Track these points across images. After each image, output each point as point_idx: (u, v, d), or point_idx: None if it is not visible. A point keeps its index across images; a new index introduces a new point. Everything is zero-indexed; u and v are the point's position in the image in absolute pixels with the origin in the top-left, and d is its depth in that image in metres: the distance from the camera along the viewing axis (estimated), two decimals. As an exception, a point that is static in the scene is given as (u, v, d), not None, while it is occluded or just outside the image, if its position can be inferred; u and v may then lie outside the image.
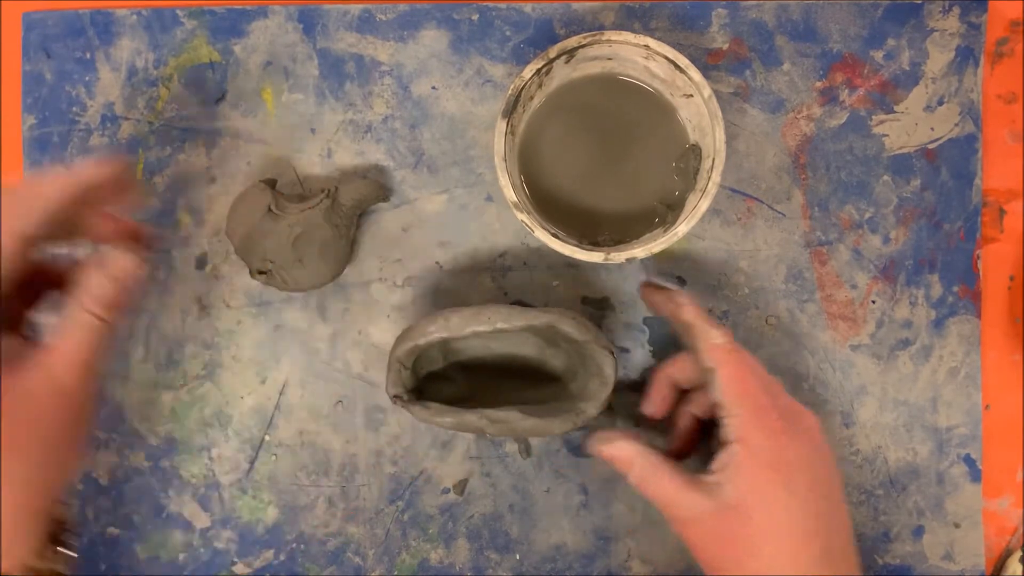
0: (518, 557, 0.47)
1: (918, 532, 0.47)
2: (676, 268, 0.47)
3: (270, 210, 0.43)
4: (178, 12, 0.47)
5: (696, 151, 0.43)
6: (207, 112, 0.47)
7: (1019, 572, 0.46)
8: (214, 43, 0.47)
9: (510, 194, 0.40)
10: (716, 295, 0.47)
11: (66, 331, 0.35)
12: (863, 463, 0.47)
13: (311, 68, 0.47)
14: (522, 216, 0.40)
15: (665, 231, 0.41)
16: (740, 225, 0.47)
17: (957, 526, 0.47)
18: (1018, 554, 0.47)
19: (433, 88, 0.47)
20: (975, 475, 0.47)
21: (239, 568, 0.47)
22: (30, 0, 0.48)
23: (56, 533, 0.36)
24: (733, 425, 0.37)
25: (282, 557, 0.47)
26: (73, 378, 0.35)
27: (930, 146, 0.47)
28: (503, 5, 0.47)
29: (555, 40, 0.47)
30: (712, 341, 0.38)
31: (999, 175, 0.48)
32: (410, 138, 0.47)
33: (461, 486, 0.47)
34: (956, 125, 0.47)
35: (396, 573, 0.47)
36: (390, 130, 0.47)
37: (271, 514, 0.47)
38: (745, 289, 0.47)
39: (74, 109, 0.47)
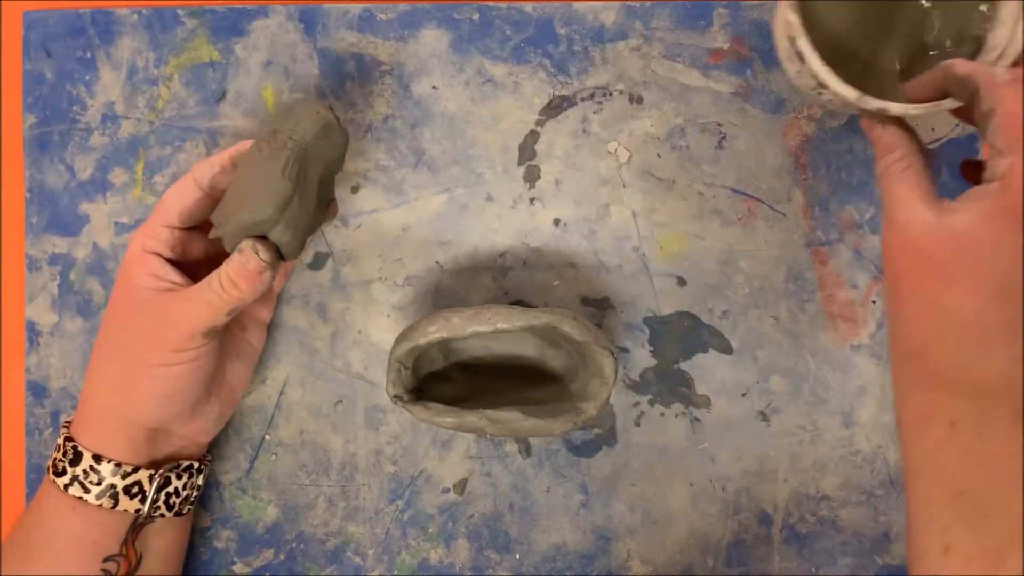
0: (518, 557, 0.47)
1: (918, 532, 0.47)
2: (676, 268, 0.47)
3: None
4: (179, 11, 0.47)
5: (977, 43, 0.40)
6: (207, 112, 0.47)
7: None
8: (215, 42, 0.47)
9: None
10: (716, 295, 0.47)
11: (212, 282, 0.38)
12: (863, 463, 0.47)
13: (311, 68, 0.47)
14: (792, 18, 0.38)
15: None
16: (741, 225, 0.47)
17: (957, 526, 0.47)
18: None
19: (433, 88, 0.47)
20: (975, 475, 0.47)
21: (239, 568, 0.47)
22: (31, 0, 0.48)
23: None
24: (999, 165, 0.33)
25: (282, 556, 0.47)
26: (202, 320, 0.38)
27: (930, 146, 0.47)
28: (503, 5, 0.47)
29: (555, 40, 0.47)
30: (996, 79, 0.34)
31: (999, 175, 0.47)
32: (410, 138, 0.47)
33: (461, 486, 0.47)
34: (956, 125, 0.47)
35: (396, 573, 0.47)
36: (390, 130, 0.47)
37: (271, 513, 0.47)
38: (745, 289, 0.47)
39: (74, 108, 0.47)
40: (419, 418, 0.42)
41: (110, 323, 0.40)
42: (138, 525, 0.40)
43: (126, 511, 0.40)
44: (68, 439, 0.40)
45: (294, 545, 0.47)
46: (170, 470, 0.41)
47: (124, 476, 0.39)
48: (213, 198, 0.40)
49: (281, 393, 0.47)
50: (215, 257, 0.42)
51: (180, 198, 0.40)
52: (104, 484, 0.39)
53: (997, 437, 0.32)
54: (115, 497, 0.39)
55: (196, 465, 0.43)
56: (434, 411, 0.42)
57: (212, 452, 0.47)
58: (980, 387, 0.33)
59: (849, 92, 0.37)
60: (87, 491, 0.39)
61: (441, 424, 0.42)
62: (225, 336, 0.42)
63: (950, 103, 0.37)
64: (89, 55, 0.47)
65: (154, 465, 0.41)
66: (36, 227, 0.47)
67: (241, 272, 0.38)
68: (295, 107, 0.42)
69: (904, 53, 0.42)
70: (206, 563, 0.47)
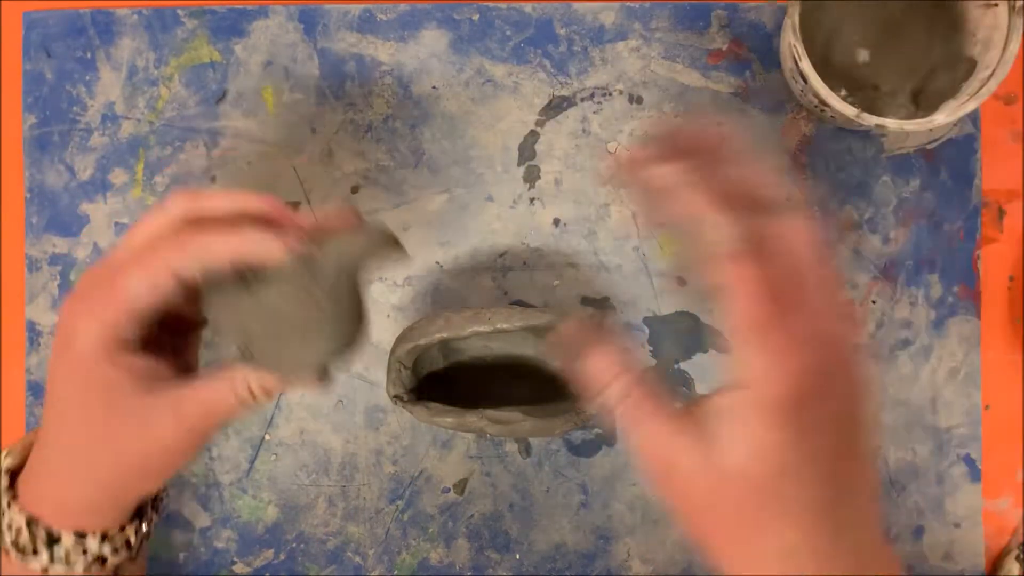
0: (518, 557, 0.47)
1: (918, 532, 0.47)
2: (676, 268, 0.47)
3: (242, 278, 0.33)
4: (179, 12, 0.47)
5: (970, 64, 0.43)
6: (207, 112, 0.47)
7: (1016, 571, 0.46)
8: (215, 43, 0.47)
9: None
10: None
11: (220, 387, 0.34)
12: (863, 463, 0.47)
13: (311, 68, 0.47)
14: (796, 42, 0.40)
15: (916, 116, 0.40)
16: (740, 225, 0.47)
17: (957, 526, 0.47)
18: (1015, 553, 0.47)
19: (433, 88, 0.47)
20: (975, 475, 0.47)
21: (239, 567, 0.47)
22: (31, 0, 0.48)
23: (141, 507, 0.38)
24: (742, 360, 0.28)
25: (282, 556, 0.47)
26: (197, 423, 0.34)
27: (929, 146, 0.47)
28: (503, 5, 0.47)
29: (555, 41, 0.47)
30: (717, 246, 0.28)
31: (999, 175, 0.48)
32: (410, 138, 0.47)
33: (461, 486, 0.47)
34: (955, 125, 0.47)
35: (396, 573, 0.47)
36: (390, 130, 0.47)
37: (271, 513, 0.47)
38: (745, 289, 0.47)
39: (75, 108, 0.47)
40: (419, 418, 0.42)
41: (75, 429, 0.34)
42: (117, 570, 0.37)
43: (109, 565, 0.36)
44: (32, 521, 0.34)
45: (294, 545, 0.47)
46: (147, 515, 0.37)
47: (112, 542, 0.35)
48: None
49: (281, 393, 0.47)
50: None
51: (152, 291, 0.32)
52: (91, 555, 0.35)
53: None
54: (104, 561, 0.35)
55: (163, 497, 0.39)
56: (434, 411, 0.42)
57: (212, 452, 0.47)
58: None
59: (848, 110, 0.40)
60: (72, 566, 0.35)
61: (441, 424, 0.42)
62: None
63: (943, 117, 0.39)
64: (89, 55, 0.47)
65: (133, 512, 0.37)
66: (36, 227, 0.47)
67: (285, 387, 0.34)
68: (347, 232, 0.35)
69: (905, 71, 0.44)
70: (206, 563, 0.47)
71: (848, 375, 0.29)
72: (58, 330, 0.33)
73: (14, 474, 0.36)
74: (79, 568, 0.35)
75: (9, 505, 0.35)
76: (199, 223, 0.33)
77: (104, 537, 0.35)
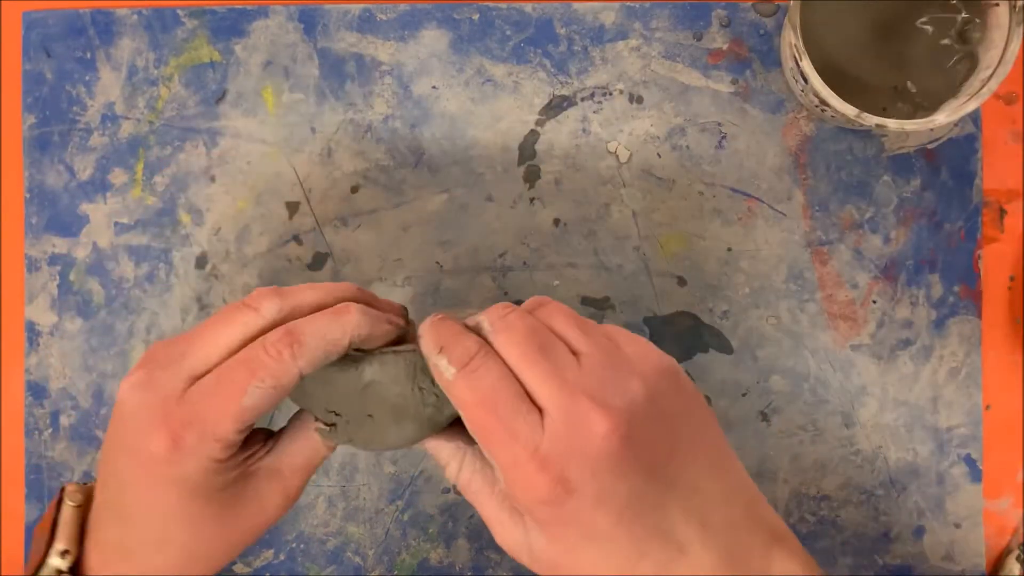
0: (518, 557, 0.47)
1: (918, 532, 0.47)
2: (676, 268, 0.47)
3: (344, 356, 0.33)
4: (179, 12, 0.47)
5: (971, 63, 0.43)
6: (207, 112, 0.47)
7: (1016, 571, 0.46)
8: (215, 43, 0.47)
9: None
10: (716, 295, 0.47)
11: (306, 444, 0.35)
12: (863, 463, 0.47)
13: (311, 68, 0.47)
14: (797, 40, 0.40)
15: (917, 116, 0.41)
16: (740, 225, 0.47)
17: (958, 526, 0.47)
18: (1015, 553, 0.47)
19: (433, 88, 0.47)
20: (975, 475, 0.47)
21: (239, 568, 0.47)
22: (31, 0, 0.48)
23: None
24: (503, 479, 0.30)
25: (282, 557, 0.47)
26: (300, 484, 0.35)
27: (930, 146, 0.47)
28: (503, 5, 0.47)
29: (555, 40, 0.47)
30: (445, 377, 0.31)
31: (999, 175, 0.48)
32: (410, 138, 0.47)
33: (461, 486, 0.47)
34: (956, 125, 0.47)
35: (396, 573, 0.47)
36: (390, 130, 0.47)
37: (271, 514, 0.47)
38: (745, 289, 0.47)
39: (74, 108, 0.47)
40: None
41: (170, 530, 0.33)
42: None
43: None
44: None
45: (294, 545, 0.47)
46: None
47: None
48: None
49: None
50: None
51: (272, 400, 0.31)
52: None
53: None
54: None
55: None
56: None
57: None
58: None
59: (849, 109, 0.40)
60: None
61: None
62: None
63: (943, 117, 0.39)
64: (89, 55, 0.47)
65: None
66: (36, 227, 0.47)
67: None
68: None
69: (906, 70, 0.44)
70: (206, 563, 0.47)
71: (608, 455, 0.29)
72: (153, 435, 0.31)
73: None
74: None
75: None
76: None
77: None
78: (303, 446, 0.35)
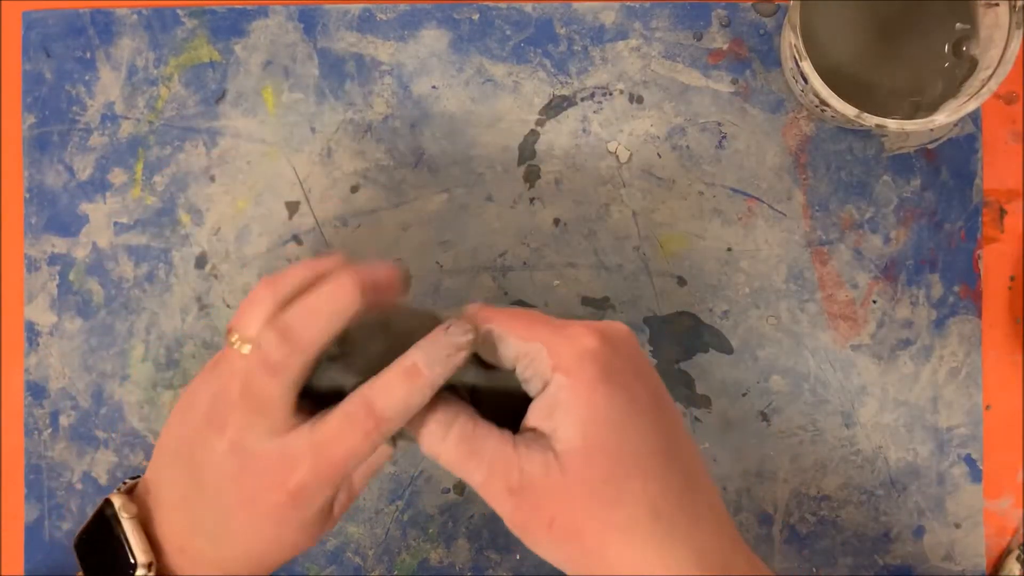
0: (518, 557, 0.47)
1: (918, 532, 0.47)
2: (676, 268, 0.47)
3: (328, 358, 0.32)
4: (178, 11, 0.47)
5: (971, 63, 0.43)
6: (207, 112, 0.47)
7: (1016, 572, 0.46)
8: (214, 42, 0.47)
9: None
10: (716, 295, 0.47)
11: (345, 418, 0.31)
12: (863, 463, 0.47)
13: (311, 68, 0.47)
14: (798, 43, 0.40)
15: (917, 116, 0.41)
16: (741, 225, 0.47)
17: (958, 526, 0.47)
18: (1015, 553, 0.47)
19: (433, 87, 0.47)
20: (975, 475, 0.47)
21: (239, 568, 0.47)
22: (31, 0, 0.48)
23: None
24: (537, 364, 0.30)
25: (282, 557, 0.47)
26: (363, 482, 0.35)
27: (930, 146, 0.47)
28: (503, 5, 0.47)
29: (555, 41, 0.47)
30: (466, 311, 0.32)
31: (999, 175, 0.48)
32: (410, 138, 0.47)
33: (461, 486, 0.47)
34: (956, 125, 0.47)
35: (396, 573, 0.47)
36: (390, 129, 0.47)
37: (271, 514, 0.47)
38: (745, 289, 0.47)
39: (74, 108, 0.47)
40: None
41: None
42: None
43: None
44: None
45: (294, 545, 0.47)
46: None
47: None
48: None
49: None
50: None
51: (337, 318, 0.31)
52: None
53: None
54: None
55: None
56: None
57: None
58: (726, 551, 0.31)
59: (849, 110, 0.40)
60: None
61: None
62: None
63: (944, 118, 0.39)
64: (89, 55, 0.47)
65: None
66: (35, 227, 0.47)
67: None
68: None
69: (905, 71, 0.44)
70: (206, 564, 0.47)
71: (629, 346, 0.31)
72: (218, 425, 0.31)
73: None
74: None
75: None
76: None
77: None
78: (338, 419, 0.32)
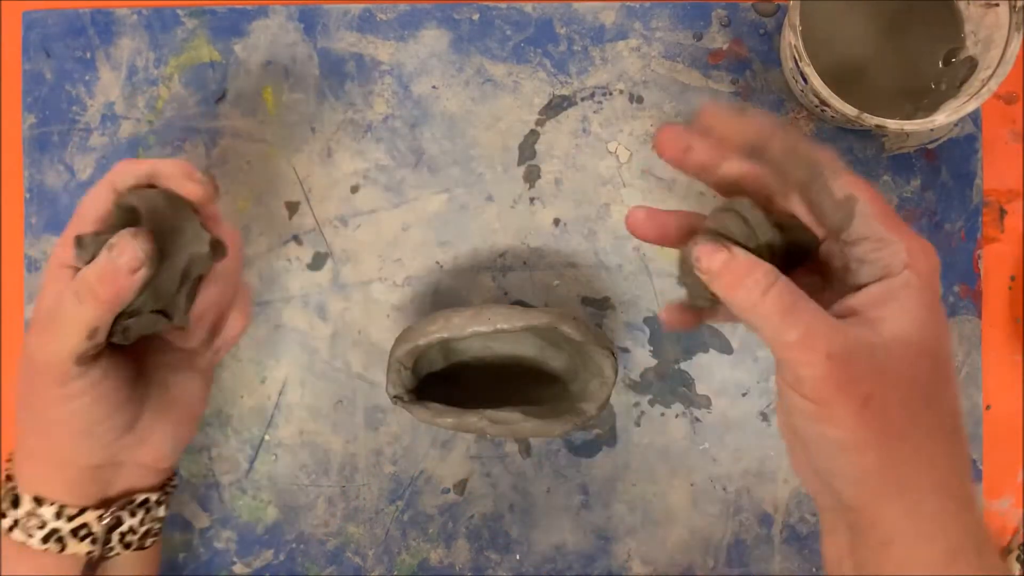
0: (518, 557, 0.47)
1: (918, 532, 0.47)
2: (676, 268, 0.47)
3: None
4: (178, 12, 0.47)
5: (971, 64, 0.43)
6: (207, 112, 0.47)
7: (1017, 571, 0.46)
8: (214, 43, 0.47)
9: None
10: (716, 295, 0.47)
11: (54, 309, 0.34)
12: (863, 463, 0.47)
13: (311, 68, 0.47)
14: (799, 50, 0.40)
15: (917, 116, 0.41)
16: (740, 225, 0.47)
17: (957, 526, 0.47)
18: (1015, 553, 0.47)
19: (433, 88, 0.47)
20: (975, 475, 0.47)
21: (239, 568, 0.47)
22: (31, 0, 0.48)
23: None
24: (894, 254, 0.30)
25: (282, 557, 0.47)
26: (76, 343, 0.34)
27: (930, 146, 0.47)
28: (503, 5, 0.47)
29: (555, 40, 0.47)
30: (844, 177, 0.31)
31: (999, 175, 0.48)
32: (410, 138, 0.47)
33: (461, 486, 0.47)
34: (956, 125, 0.47)
35: (396, 573, 0.47)
36: (390, 129, 0.47)
37: (271, 514, 0.47)
38: (745, 289, 0.47)
39: (74, 108, 0.47)
40: (419, 418, 0.42)
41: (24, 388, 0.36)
42: (94, 564, 0.37)
43: (76, 554, 0.37)
44: (8, 478, 0.37)
45: (294, 545, 0.47)
46: (121, 508, 0.38)
47: (69, 519, 0.36)
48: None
49: (281, 393, 0.47)
50: None
51: (96, 203, 0.35)
52: (47, 528, 0.36)
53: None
54: (61, 541, 0.36)
55: (153, 498, 0.39)
56: (434, 411, 0.42)
57: (212, 453, 0.47)
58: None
59: (849, 110, 0.40)
60: (30, 536, 0.36)
61: (441, 424, 0.42)
62: (157, 351, 0.39)
63: (943, 117, 0.39)
64: (89, 55, 0.47)
65: (106, 502, 0.38)
66: (36, 227, 0.47)
67: (105, 273, 0.33)
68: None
69: (905, 71, 0.44)
70: (206, 563, 0.47)
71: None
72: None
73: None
74: (36, 542, 0.36)
75: (5, 460, 0.38)
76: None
77: (61, 510, 0.36)
78: (56, 306, 0.34)
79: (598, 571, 0.47)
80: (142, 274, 0.33)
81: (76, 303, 0.33)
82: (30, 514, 0.36)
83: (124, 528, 0.38)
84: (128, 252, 0.32)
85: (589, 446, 0.47)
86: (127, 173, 0.35)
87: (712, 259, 0.31)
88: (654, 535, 0.47)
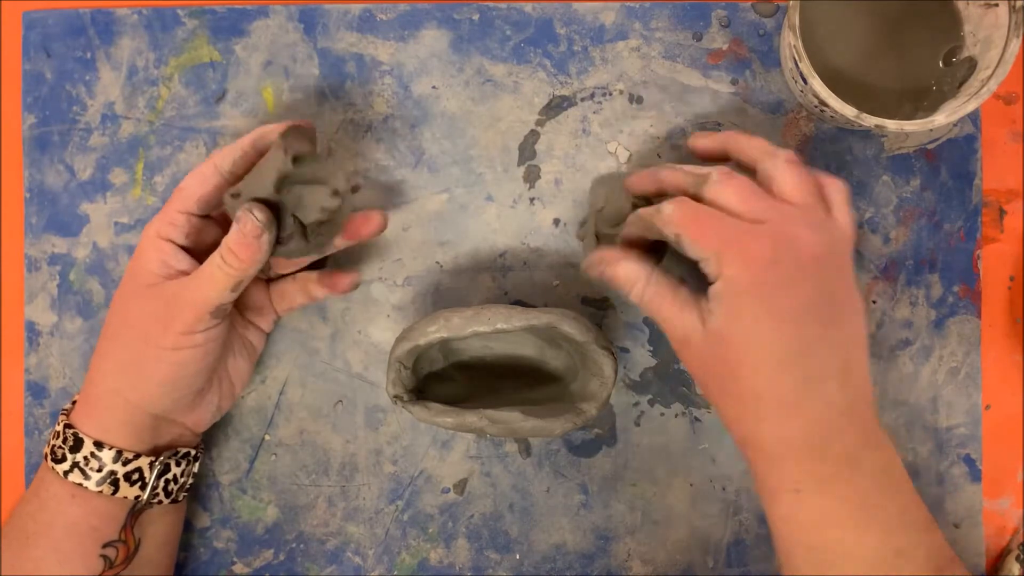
0: (518, 557, 0.47)
1: (918, 532, 0.47)
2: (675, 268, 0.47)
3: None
4: (179, 11, 0.47)
5: (970, 64, 0.43)
6: (207, 112, 0.47)
7: (1016, 571, 0.46)
8: (215, 42, 0.47)
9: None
10: (716, 295, 0.47)
11: (214, 259, 0.39)
12: (863, 463, 0.47)
13: (311, 68, 0.47)
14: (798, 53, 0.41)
15: (916, 116, 0.42)
16: (740, 225, 0.47)
17: (957, 526, 0.47)
18: (1015, 553, 0.47)
19: (433, 88, 0.47)
20: (975, 475, 0.47)
21: (238, 568, 0.47)
22: (31, 0, 0.48)
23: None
24: (709, 268, 0.36)
25: (282, 557, 0.47)
26: (207, 297, 0.39)
27: (929, 146, 0.47)
28: (503, 5, 0.47)
29: (555, 40, 0.47)
30: (664, 214, 0.37)
31: (999, 175, 0.48)
32: (410, 138, 0.47)
33: (461, 486, 0.47)
34: (956, 125, 0.47)
35: (396, 573, 0.47)
36: (390, 130, 0.47)
37: (271, 514, 0.47)
38: (745, 289, 0.47)
39: (74, 108, 0.47)
40: (419, 418, 0.42)
41: (118, 307, 0.41)
42: (136, 511, 0.41)
43: (125, 498, 0.40)
44: (68, 426, 0.40)
45: (294, 545, 0.47)
46: (170, 457, 0.41)
47: (125, 463, 0.40)
48: (232, 185, 0.40)
49: (281, 393, 0.47)
50: None
51: (199, 184, 0.40)
52: (105, 471, 0.39)
53: (833, 492, 0.36)
54: (115, 484, 0.40)
55: (193, 453, 0.43)
56: (434, 411, 0.42)
57: (212, 453, 0.47)
58: (803, 450, 0.36)
59: (848, 110, 0.40)
60: (87, 478, 0.39)
61: (441, 424, 0.42)
62: (229, 330, 0.43)
63: (943, 118, 0.39)
64: (89, 55, 0.47)
65: (154, 452, 0.41)
66: (36, 227, 0.47)
67: (240, 240, 0.38)
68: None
69: (905, 71, 0.44)
70: (206, 563, 0.47)
71: (803, 245, 0.36)
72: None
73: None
74: (92, 483, 0.40)
75: (65, 430, 0.40)
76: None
77: (119, 455, 0.40)
78: (213, 258, 0.39)
79: (598, 571, 0.47)
80: (266, 238, 0.38)
81: (222, 263, 0.38)
82: (90, 457, 0.39)
83: (169, 476, 0.42)
84: (249, 223, 0.38)
85: (589, 446, 0.47)
86: (227, 155, 0.40)
87: (612, 268, 0.40)
88: (654, 535, 0.47)
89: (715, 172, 0.38)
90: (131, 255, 0.47)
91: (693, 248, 0.36)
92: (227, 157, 0.40)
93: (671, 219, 0.37)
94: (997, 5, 0.41)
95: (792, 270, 0.35)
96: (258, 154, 0.40)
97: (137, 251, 0.41)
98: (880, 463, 0.37)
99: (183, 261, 0.40)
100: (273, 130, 0.40)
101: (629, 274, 0.39)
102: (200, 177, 0.40)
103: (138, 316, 0.40)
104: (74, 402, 0.42)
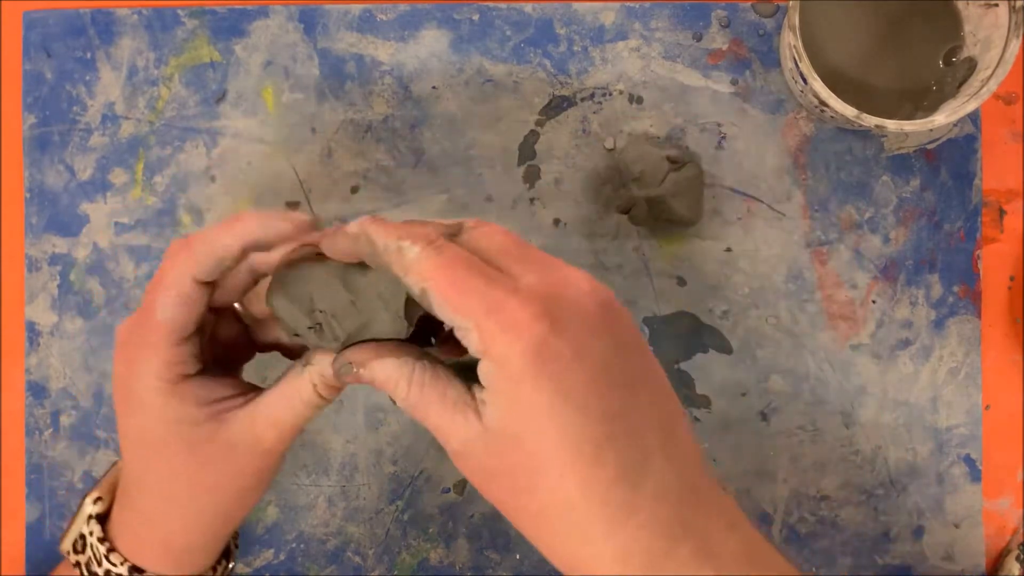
0: (518, 557, 0.47)
1: (918, 532, 0.47)
2: (676, 268, 0.47)
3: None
4: (179, 12, 0.47)
5: (970, 64, 0.43)
6: (207, 112, 0.47)
7: (1016, 571, 0.46)
8: (215, 43, 0.47)
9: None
10: (716, 295, 0.47)
11: (284, 395, 0.33)
12: (863, 463, 0.47)
13: (311, 68, 0.47)
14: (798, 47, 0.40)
15: (916, 116, 0.41)
16: (740, 225, 0.47)
17: (957, 526, 0.47)
18: (1015, 553, 0.47)
19: (433, 88, 0.47)
20: (975, 475, 0.47)
21: (239, 568, 0.47)
22: (31, 0, 0.48)
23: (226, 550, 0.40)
24: (469, 341, 0.28)
25: (282, 557, 0.47)
26: (274, 440, 0.33)
27: (929, 146, 0.47)
28: (503, 5, 0.47)
29: (555, 40, 0.47)
30: (408, 258, 0.29)
31: (999, 175, 0.48)
32: (410, 138, 0.47)
33: (461, 486, 0.47)
34: (955, 125, 0.47)
35: (396, 573, 0.47)
36: (390, 130, 0.47)
37: (271, 514, 0.47)
38: (745, 289, 0.47)
39: (74, 108, 0.47)
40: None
41: (160, 470, 0.34)
42: None
43: None
44: (136, 570, 0.35)
45: (294, 545, 0.47)
46: (235, 543, 0.40)
47: None
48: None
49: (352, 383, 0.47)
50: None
51: (182, 305, 0.32)
52: None
53: None
54: None
55: (232, 565, 0.40)
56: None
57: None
58: (645, 559, 0.28)
59: (848, 110, 0.40)
60: None
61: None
62: None
63: (943, 118, 0.39)
64: (89, 55, 0.47)
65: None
66: (36, 227, 0.47)
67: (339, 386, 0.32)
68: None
69: (905, 71, 0.44)
70: (206, 563, 0.47)
71: (585, 304, 0.28)
72: (114, 383, 0.33)
73: (102, 519, 0.37)
74: None
75: (108, 555, 0.35)
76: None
77: None
78: (284, 394, 0.33)
79: (598, 571, 0.47)
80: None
81: (316, 398, 0.33)
82: None
83: (230, 567, 0.39)
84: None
85: (589, 446, 0.47)
86: (210, 263, 0.32)
87: (368, 372, 0.31)
88: (654, 535, 0.47)
89: (469, 220, 0.32)
90: (131, 255, 0.47)
91: (443, 311, 0.28)
92: (210, 268, 0.32)
93: (417, 267, 0.28)
94: (997, 5, 0.41)
95: (578, 330, 0.28)
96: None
97: (139, 406, 0.33)
98: (739, 539, 0.30)
99: (222, 386, 0.34)
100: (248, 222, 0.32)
101: (388, 376, 0.30)
102: (181, 301, 0.32)
103: (200, 485, 0.34)
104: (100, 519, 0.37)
